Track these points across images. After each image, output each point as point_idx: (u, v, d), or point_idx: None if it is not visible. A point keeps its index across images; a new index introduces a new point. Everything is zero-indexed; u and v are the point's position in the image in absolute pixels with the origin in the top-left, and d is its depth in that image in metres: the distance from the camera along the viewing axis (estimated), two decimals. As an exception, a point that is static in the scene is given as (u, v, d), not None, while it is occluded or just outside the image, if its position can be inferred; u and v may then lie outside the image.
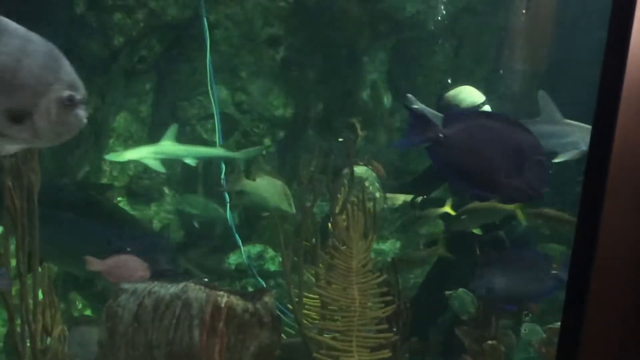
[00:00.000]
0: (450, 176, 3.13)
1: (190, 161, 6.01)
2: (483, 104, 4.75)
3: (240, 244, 6.21)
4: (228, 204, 6.17)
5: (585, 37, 5.55)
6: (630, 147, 1.26)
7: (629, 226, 1.26)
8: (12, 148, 2.12)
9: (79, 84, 1.91)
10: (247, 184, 4.71)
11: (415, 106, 4.67)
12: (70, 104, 1.86)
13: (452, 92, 4.85)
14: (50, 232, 3.89)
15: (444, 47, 7.29)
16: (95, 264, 3.74)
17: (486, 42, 7.15)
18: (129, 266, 3.67)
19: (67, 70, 1.91)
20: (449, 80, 6.71)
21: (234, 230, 6.22)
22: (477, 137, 2.75)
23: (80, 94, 1.90)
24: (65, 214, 5.04)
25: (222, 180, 6.31)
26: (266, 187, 4.65)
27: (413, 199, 4.83)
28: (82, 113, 1.91)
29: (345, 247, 3.50)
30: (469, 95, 4.81)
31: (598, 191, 1.26)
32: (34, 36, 1.90)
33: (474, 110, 4.56)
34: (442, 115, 3.82)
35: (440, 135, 2.71)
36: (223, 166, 6.40)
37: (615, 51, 1.29)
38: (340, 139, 6.69)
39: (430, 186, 4.97)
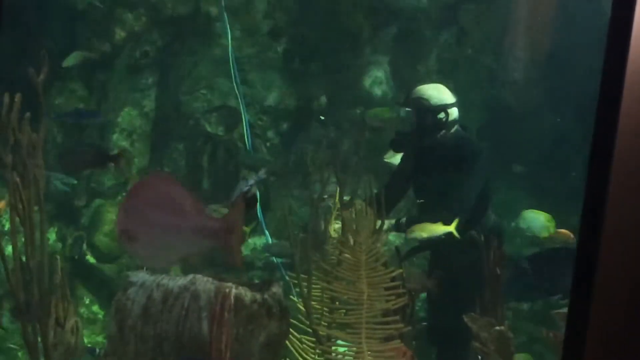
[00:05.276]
0: None
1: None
2: (452, 105, 4.42)
3: (269, 239, 6.22)
4: (259, 201, 6.10)
5: (586, 26, 5.56)
6: (634, 134, 1.28)
7: (634, 214, 1.27)
8: None
9: None
10: None
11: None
12: None
13: (422, 87, 4.49)
14: None
15: (446, 36, 7.29)
16: None
17: (488, 30, 7.15)
18: None
19: None
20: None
21: (264, 226, 6.21)
22: None
23: None
24: None
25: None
26: None
27: (397, 221, 4.46)
28: None
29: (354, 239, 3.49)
30: (439, 93, 4.43)
31: (602, 183, 1.28)
32: None
33: None
34: None
35: None
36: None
37: (616, 40, 1.30)
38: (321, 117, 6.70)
39: (399, 192, 4.77)
